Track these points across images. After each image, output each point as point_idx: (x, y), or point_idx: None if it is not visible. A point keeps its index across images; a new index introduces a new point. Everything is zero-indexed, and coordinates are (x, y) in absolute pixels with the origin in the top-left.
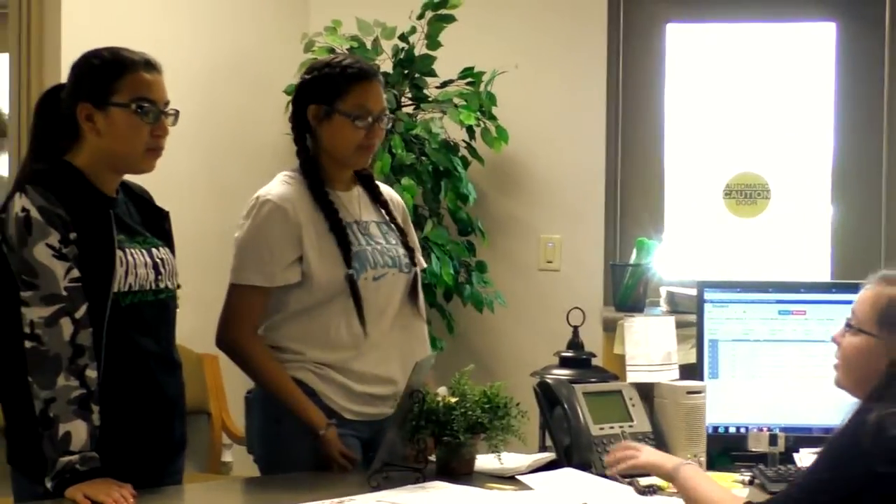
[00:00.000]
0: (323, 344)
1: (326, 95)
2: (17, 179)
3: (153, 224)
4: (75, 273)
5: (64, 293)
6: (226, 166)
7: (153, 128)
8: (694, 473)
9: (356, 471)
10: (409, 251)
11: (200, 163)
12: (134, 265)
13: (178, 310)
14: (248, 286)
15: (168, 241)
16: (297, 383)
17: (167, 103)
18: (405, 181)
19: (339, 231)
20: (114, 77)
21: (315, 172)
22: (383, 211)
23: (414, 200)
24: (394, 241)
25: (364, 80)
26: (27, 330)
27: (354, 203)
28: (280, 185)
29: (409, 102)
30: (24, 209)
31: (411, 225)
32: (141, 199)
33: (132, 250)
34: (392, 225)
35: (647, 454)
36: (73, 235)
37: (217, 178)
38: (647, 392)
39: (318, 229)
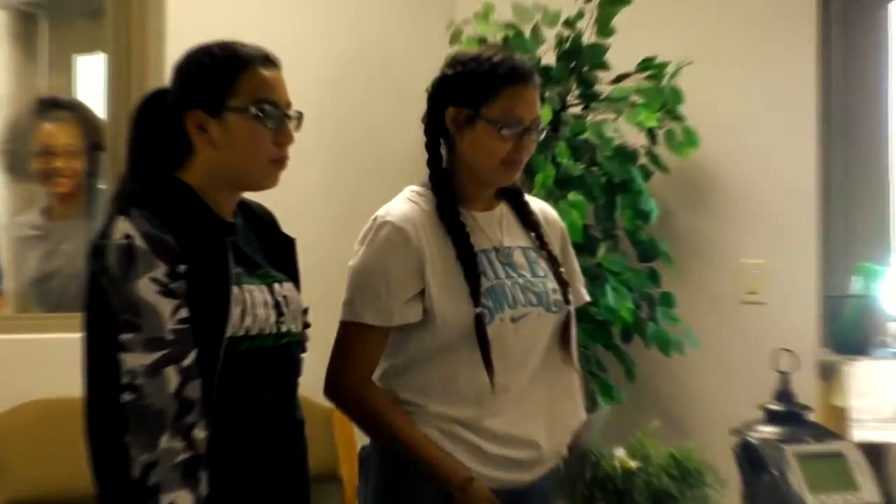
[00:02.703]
0: (448, 396)
1: (470, 97)
2: (117, 199)
3: (276, 254)
4: (184, 313)
5: (170, 337)
6: (356, 182)
7: (276, 135)
8: None
9: None
10: (563, 285)
11: (326, 178)
12: (252, 304)
13: (303, 356)
14: (361, 324)
15: (293, 275)
16: None
17: (289, 105)
18: (572, 196)
19: (468, 260)
20: (229, 77)
21: (447, 188)
22: (533, 234)
23: (583, 220)
24: (542, 273)
25: (517, 83)
26: (125, 380)
27: (495, 225)
28: (403, 202)
29: (577, 102)
30: (127, 235)
31: (572, 251)
32: (262, 223)
33: (251, 287)
34: (544, 252)
35: None
36: (182, 268)
37: (345, 196)
38: (876, 454)
39: (445, 258)
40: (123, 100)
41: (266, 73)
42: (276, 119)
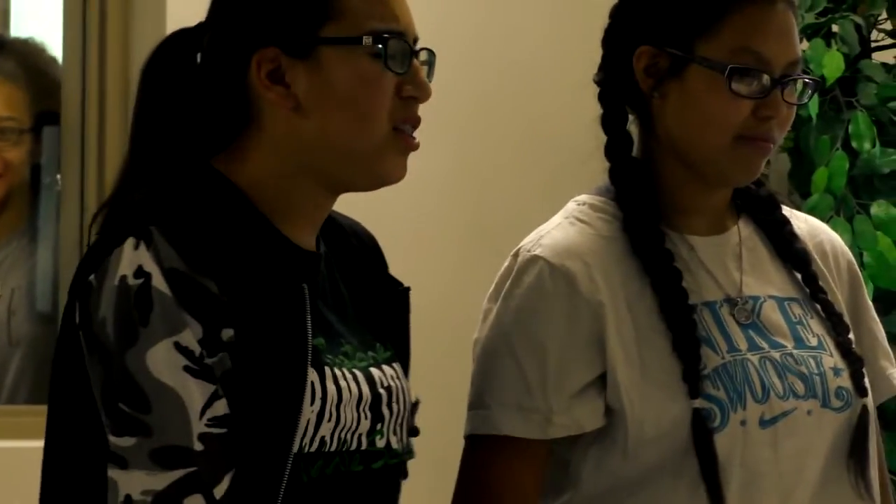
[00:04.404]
0: None
1: (675, 27)
2: (123, 207)
3: (375, 309)
4: (223, 408)
5: (198, 446)
6: (485, 188)
7: (401, 81)
8: None
9: None
10: (855, 363)
11: (435, 184)
12: (336, 401)
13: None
14: (500, 439)
15: (401, 348)
16: None
17: (416, 39)
18: (880, 210)
19: (680, 320)
20: None
21: (642, 192)
22: (799, 276)
23: None
24: (815, 342)
25: (763, 0)
26: None
27: (729, 259)
28: (564, 224)
29: (889, 40)
30: (139, 272)
31: (870, 305)
32: (356, 255)
33: (337, 371)
34: (818, 304)
35: None
36: (227, 333)
37: (469, 213)
38: None
39: (640, 316)
40: (95, 31)
41: None
42: (401, 55)
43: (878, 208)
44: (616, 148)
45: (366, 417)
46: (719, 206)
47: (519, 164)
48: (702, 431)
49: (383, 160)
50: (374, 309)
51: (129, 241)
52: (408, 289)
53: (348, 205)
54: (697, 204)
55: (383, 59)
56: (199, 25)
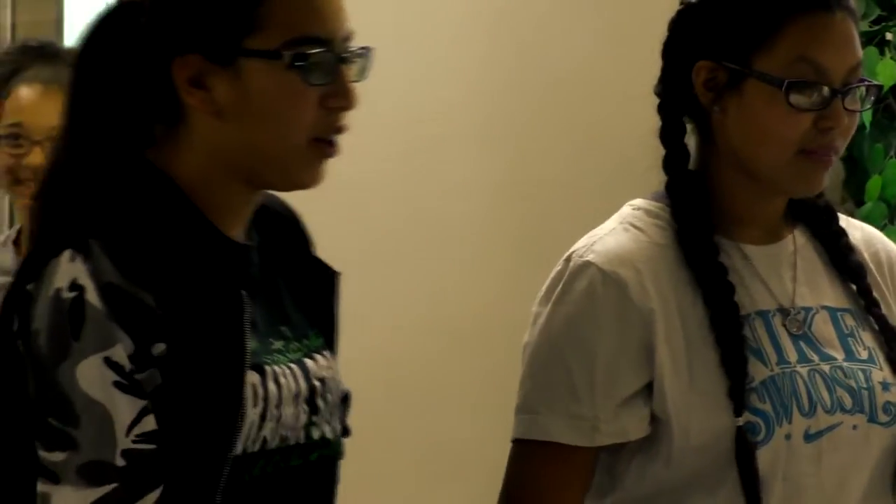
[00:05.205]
0: None
1: (733, 40)
2: (59, 212)
3: (305, 291)
4: (151, 423)
5: (121, 462)
6: (540, 191)
7: (326, 95)
8: None
9: None
10: None
11: (487, 183)
12: (277, 400)
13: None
14: (547, 444)
15: (331, 332)
16: None
17: (348, 38)
18: None
19: (729, 331)
20: None
21: (697, 203)
22: (855, 287)
23: None
24: (866, 356)
25: (814, 8)
26: None
27: (783, 269)
28: (618, 230)
29: None
30: (74, 286)
31: None
32: (285, 236)
33: (276, 367)
34: (871, 316)
35: None
36: (159, 348)
37: (521, 216)
38: None
39: (692, 326)
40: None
41: None
42: (324, 68)
43: None
44: (674, 161)
45: (304, 411)
46: (775, 216)
47: (572, 170)
48: (744, 448)
49: (299, 168)
50: (307, 293)
51: (67, 254)
52: (337, 273)
53: (400, 209)
54: (754, 213)
55: (304, 73)
56: (130, 4)
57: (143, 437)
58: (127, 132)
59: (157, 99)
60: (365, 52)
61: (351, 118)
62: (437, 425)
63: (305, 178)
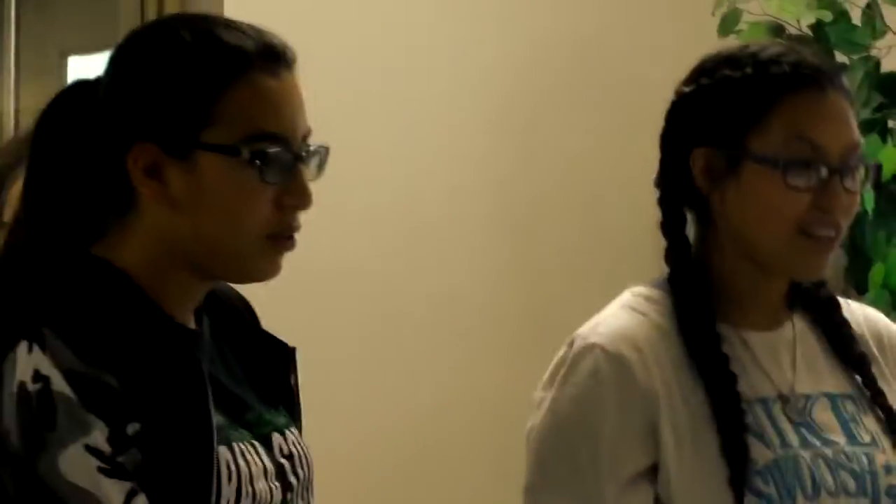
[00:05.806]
0: None
1: (727, 124)
2: (9, 304)
3: (260, 372)
4: (142, 502)
5: None
6: (541, 276)
7: (282, 193)
8: None
9: None
10: None
11: (488, 267)
12: (249, 476)
13: None
14: None
15: (293, 407)
16: None
17: (307, 136)
18: None
19: (730, 417)
20: (206, 90)
21: (698, 289)
22: (857, 374)
23: None
24: (867, 439)
25: (807, 87)
26: None
27: (782, 356)
28: (622, 313)
29: None
30: (37, 376)
31: None
32: (233, 320)
33: (241, 445)
34: (875, 405)
35: None
36: (133, 427)
37: (523, 299)
38: None
39: (694, 409)
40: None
41: (271, 82)
42: (282, 166)
43: None
44: (675, 252)
45: (276, 488)
46: (775, 300)
47: (574, 257)
48: None
49: (254, 263)
50: (263, 372)
51: (23, 345)
52: (293, 348)
53: (404, 292)
54: (755, 298)
55: (260, 172)
56: (97, 81)
57: None
58: (77, 220)
59: (109, 186)
60: (322, 151)
61: (352, 194)
62: None
63: (261, 271)
